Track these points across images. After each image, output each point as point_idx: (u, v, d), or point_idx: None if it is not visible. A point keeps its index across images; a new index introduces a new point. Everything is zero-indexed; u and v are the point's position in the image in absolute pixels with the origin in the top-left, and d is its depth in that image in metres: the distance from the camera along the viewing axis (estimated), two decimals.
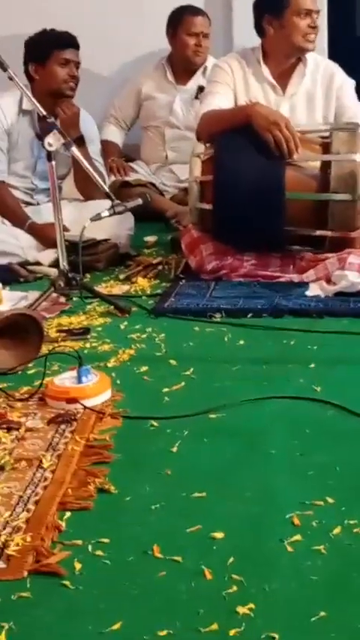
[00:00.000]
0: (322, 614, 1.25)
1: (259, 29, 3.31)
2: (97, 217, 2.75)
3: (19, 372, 2.25)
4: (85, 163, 2.82)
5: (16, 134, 3.47)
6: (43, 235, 3.30)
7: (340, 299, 2.73)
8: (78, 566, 1.39)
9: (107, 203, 2.81)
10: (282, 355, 2.33)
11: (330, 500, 1.56)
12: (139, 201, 2.84)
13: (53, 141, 2.72)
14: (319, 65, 3.37)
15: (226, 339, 2.48)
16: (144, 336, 2.52)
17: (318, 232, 2.99)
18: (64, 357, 2.19)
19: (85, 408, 1.98)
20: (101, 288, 2.97)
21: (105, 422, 1.93)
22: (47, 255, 3.28)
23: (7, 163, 3.50)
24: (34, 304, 2.65)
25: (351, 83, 3.41)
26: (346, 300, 2.72)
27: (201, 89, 4.11)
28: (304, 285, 2.86)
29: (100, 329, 2.60)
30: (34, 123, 3.42)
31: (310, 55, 3.33)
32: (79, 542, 1.46)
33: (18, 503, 1.57)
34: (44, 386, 2.08)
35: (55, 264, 2.96)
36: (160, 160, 4.43)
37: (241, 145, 3.02)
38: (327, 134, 3.08)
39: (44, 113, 2.80)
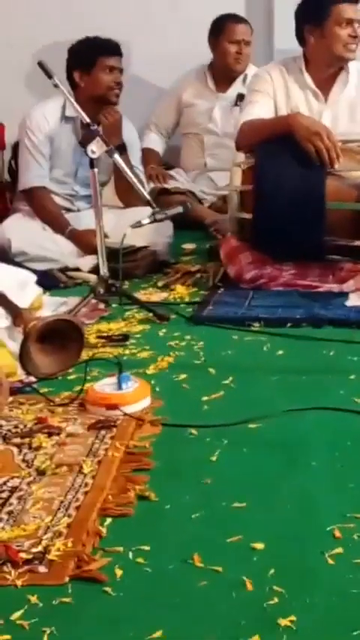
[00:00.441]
0: None
1: (301, 38, 3.32)
2: (138, 224, 2.75)
3: (60, 378, 2.26)
4: (127, 171, 2.83)
5: (59, 140, 3.49)
6: (83, 242, 3.33)
7: None
8: (119, 572, 1.40)
9: (146, 210, 2.82)
10: (321, 366, 2.32)
11: None
12: (180, 209, 2.85)
13: (96, 148, 2.73)
14: None
15: (265, 348, 2.48)
16: (183, 343, 2.53)
17: (357, 242, 2.98)
18: (104, 363, 2.21)
19: (125, 414, 1.99)
20: (140, 295, 2.98)
21: (144, 429, 1.93)
22: (87, 262, 3.30)
23: (48, 169, 3.52)
24: (74, 310, 2.67)
25: None
26: None
27: (241, 97, 4.12)
28: (344, 295, 2.84)
29: (139, 336, 2.61)
30: (77, 130, 3.44)
31: (353, 63, 3.33)
32: (120, 548, 1.47)
33: (59, 509, 1.58)
34: (84, 392, 2.10)
35: (95, 270, 2.98)
36: (199, 167, 4.45)
37: (282, 154, 3.02)
38: None
39: (88, 120, 2.81)
